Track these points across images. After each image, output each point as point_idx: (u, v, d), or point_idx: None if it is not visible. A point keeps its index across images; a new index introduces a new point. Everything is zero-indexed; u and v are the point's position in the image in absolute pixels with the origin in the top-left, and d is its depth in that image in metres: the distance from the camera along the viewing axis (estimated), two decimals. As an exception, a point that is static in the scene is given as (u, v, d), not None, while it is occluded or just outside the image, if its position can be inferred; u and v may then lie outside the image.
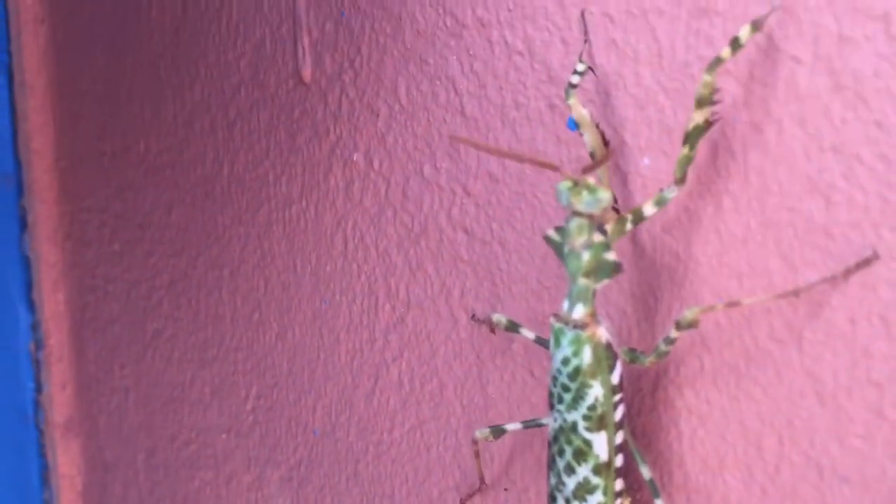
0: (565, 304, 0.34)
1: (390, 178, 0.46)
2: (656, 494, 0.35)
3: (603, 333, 0.34)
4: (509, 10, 0.40)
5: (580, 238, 0.33)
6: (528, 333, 0.39)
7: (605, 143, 0.35)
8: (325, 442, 0.52)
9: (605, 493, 0.35)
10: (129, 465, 0.66)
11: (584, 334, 0.34)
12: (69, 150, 0.67)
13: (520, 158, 0.32)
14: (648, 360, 0.34)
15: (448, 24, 0.43)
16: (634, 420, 0.37)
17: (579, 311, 0.34)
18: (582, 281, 0.33)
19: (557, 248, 0.34)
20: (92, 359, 0.68)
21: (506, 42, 0.41)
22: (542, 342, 0.38)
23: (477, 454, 0.42)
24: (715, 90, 0.31)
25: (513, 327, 0.39)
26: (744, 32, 0.31)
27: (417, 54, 0.44)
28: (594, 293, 0.34)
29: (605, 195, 0.32)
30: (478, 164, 0.42)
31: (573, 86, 0.36)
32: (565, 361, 0.34)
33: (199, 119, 0.57)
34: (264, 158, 0.53)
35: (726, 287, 0.34)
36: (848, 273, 0.31)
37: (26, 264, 0.71)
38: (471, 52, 0.42)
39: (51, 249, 0.70)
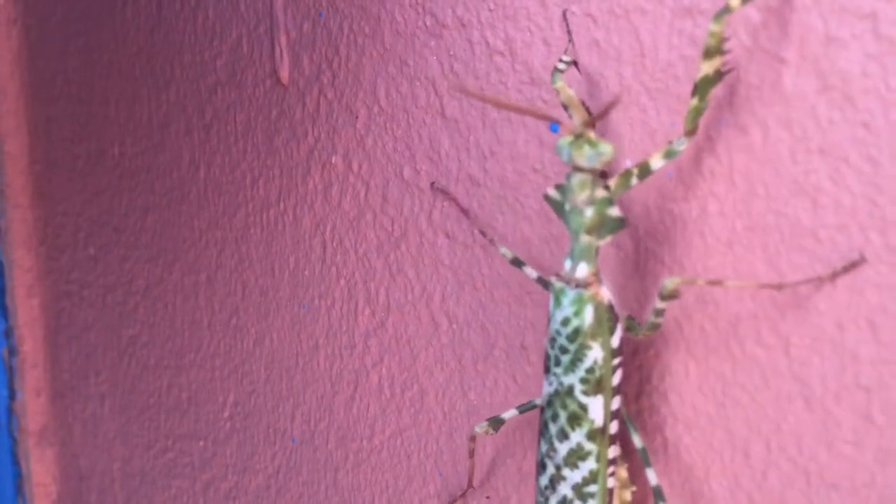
0: (567, 264, 0.33)
1: (370, 181, 0.46)
2: (647, 463, 0.34)
3: (605, 293, 0.33)
4: (490, 11, 0.40)
5: (582, 194, 0.32)
6: (531, 272, 0.37)
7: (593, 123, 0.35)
8: (304, 450, 0.51)
9: (598, 460, 0.33)
10: (105, 473, 0.65)
11: (587, 294, 0.33)
12: (43, 153, 0.66)
13: (521, 110, 0.31)
14: (642, 332, 0.33)
15: (428, 24, 0.42)
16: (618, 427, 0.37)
17: (582, 270, 0.33)
18: (584, 238, 0.32)
19: (558, 207, 0.33)
20: (67, 366, 0.67)
21: (487, 43, 0.40)
22: (544, 283, 0.37)
23: (472, 452, 0.41)
24: (723, 39, 0.30)
25: (517, 263, 0.38)
26: None
27: (397, 55, 0.44)
28: (597, 251, 0.33)
29: (607, 148, 0.31)
30: (459, 168, 0.42)
31: (559, 70, 0.35)
32: (565, 322, 0.33)
33: (174, 121, 0.56)
34: (241, 161, 0.52)
35: (711, 292, 0.34)
36: (835, 275, 0.31)
37: (0, 269, 0.70)
38: (451, 53, 0.41)
39: (25, 254, 0.69)
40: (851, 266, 0.30)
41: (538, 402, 0.37)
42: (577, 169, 0.32)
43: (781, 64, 0.31)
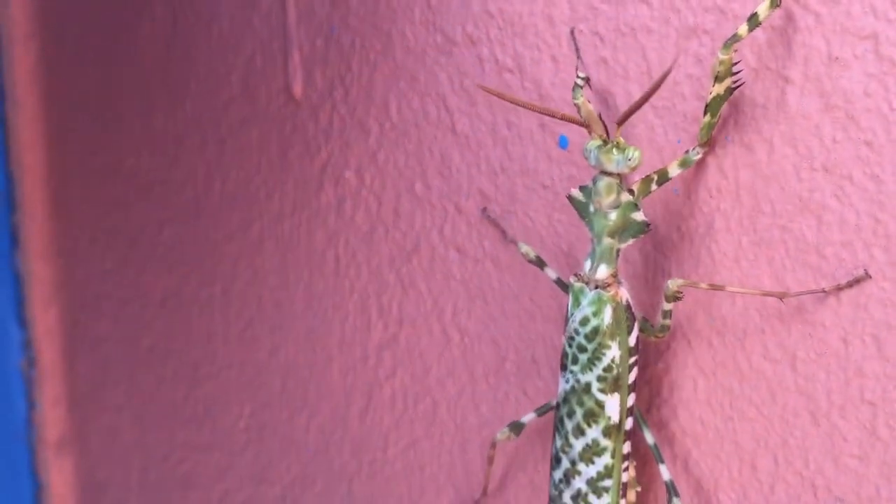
0: (587, 264, 0.34)
1: (382, 196, 0.46)
2: (660, 460, 0.35)
3: (624, 294, 0.34)
4: (499, 28, 0.40)
5: (609, 198, 0.32)
6: (552, 273, 0.38)
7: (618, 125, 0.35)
8: (319, 461, 0.51)
9: (613, 456, 0.34)
10: (123, 483, 0.66)
11: (606, 294, 0.33)
12: (61, 166, 0.67)
13: (549, 113, 0.32)
14: (654, 334, 0.34)
15: (438, 41, 0.43)
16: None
17: (602, 272, 0.33)
18: (607, 241, 0.33)
19: (581, 209, 0.33)
20: (84, 376, 0.68)
21: (496, 59, 0.41)
22: (563, 285, 0.38)
23: (491, 459, 0.41)
24: (733, 64, 0.31)
25: (539, 263, 0.38)
26: (762, 8, 0.30)
27: (408, 71, 0.44)
28: (618, 253, 0.33)
29: (635, 154, 0.32)
30: (469, 183, 0.42)
31: (579, 86, 0.36)
32: (584, 321, 0.34)
33: (189, 134, 0.57)
34: (255, 175, 0.53)
35: (718, 306, 0.34)
36: (838, 289, 0.31)
37: (18, 281, 0.70)
38: (461, 70, 0.42)
39: (43, 266, 0.70)
40: (855, 282, 0.31)
41: (554, 403, 0.38)
42: (605, 173, 0.32)
43: (786, 83, 0.32)
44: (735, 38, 0.30)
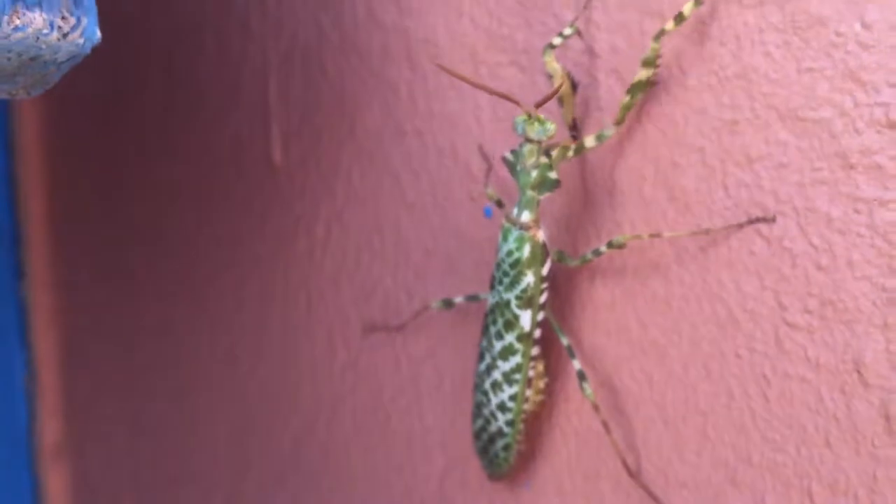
0: (515, 210, 0.43)
1: (345, 247, 0.56)
2: (572, 356, 0.44)
3: (541, 235, 0.43)
4: (439, 122, 0.51)
5: (530, 160, 0.42)
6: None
7: (574, 86, 0.42)
8: (292, 463, 0.61)
9: (523, 356, 0.44)
10: (115, 485, 0.73)
11: (527, 234, 0.43)
12: (63, 212, 0.75)
13: (489, 90, 0.40)
14: (573, 263, 0.44)
15: (392, 129, 0.53)
16: (525, 443, 0.48)
17: (525, 217, 0.43)
18: (529, 193, 0.42)
19: (512, 168, 0.43)
20: (81, 391, 0.75)
21: (437, 146, 0.52)
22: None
23: (417, 315, 0.52)
24: (659, 55, 0.39)
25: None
26: (687, 7, 0.37)
27: (368, 151, 0.55)
28: (538, 203, 0.43)
29: (551, 126, 0.41)
30: (416, 241, 0.53)
31: (553, 46, 0.41)
32: (509, 253, 0.43)
33: (182, 191, 0.65)
34: (240, 224, 0.62)
35: (599, 343, 0.46)
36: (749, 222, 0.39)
37: (22, 308, 0.77)
38: (410, 153, 0.53)
39: (44, 295, 0.76)
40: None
41: (482, 296, 0.48)
42: (528, 140, 0.42)
43: (642, 179, 0.43)
44: (663, 32, 0.38)
